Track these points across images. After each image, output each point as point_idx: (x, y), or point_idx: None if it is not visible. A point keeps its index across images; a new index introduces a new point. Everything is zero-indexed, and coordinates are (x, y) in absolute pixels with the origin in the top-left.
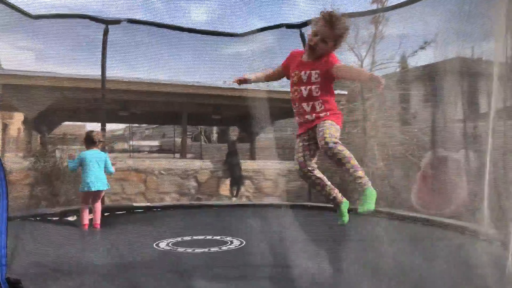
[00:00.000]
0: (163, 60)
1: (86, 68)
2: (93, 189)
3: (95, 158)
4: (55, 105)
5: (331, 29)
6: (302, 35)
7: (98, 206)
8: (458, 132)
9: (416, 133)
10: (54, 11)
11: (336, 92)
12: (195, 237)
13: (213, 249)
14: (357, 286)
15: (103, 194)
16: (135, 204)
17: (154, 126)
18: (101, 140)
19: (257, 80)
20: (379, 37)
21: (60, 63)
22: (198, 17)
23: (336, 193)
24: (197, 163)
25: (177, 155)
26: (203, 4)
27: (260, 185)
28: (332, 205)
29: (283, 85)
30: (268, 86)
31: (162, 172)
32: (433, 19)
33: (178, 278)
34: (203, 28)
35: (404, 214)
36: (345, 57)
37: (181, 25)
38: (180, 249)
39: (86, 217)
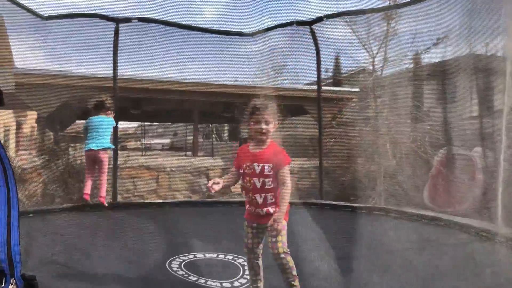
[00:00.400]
0: (174, 58)
1: (98, 67)
2: (92, 148)
3: (99, 121)
4: (67, 104)
5: (268, 110)
6: (313, 32)
7: (103, 179)
8: (471, 130)
9: (429, 130)
10: (64, 11)
11: (347, 89)
12: (207, 255)
13: (225, 285)
14: (367, 284)
15: (106, 160)
16: (146, 201)
17: (166, 124)
18: (109, 106)
19: (225, 186)
20: (391, 33)
21: (72, 62)
22: (209, 15)
23: (261, 285)
24: (208, 161)
25: (189, 153)
26: (214, 3)
27: None
28: None
29: (294, 82)
30: (280, 84)
31: (173, 169)
32: (446, 15)
33: None
34: (213, 26)
35: (415, 212)
36: (357, 54)
37: (191, 24)
38: (193, 278)
39: (88, 186)
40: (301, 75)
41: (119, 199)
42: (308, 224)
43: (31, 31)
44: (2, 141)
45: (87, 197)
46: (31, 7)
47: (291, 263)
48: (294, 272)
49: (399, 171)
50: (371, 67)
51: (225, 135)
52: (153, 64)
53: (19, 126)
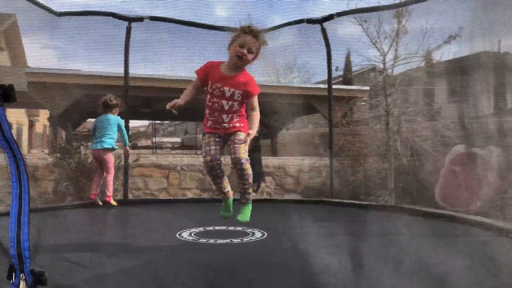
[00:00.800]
0: (185, 56)
1: (109, 66)
2: (95, 147)
3: (102, 120)
4: (79, 102)
5: (256, 39)
6: (323, 30)
7: (109, 178)
8: (484, 128)
9: (440, 128)
10: (77, 9)
11: (358, 87)
12: (217, 228)
13: (235, 240)
14: (379, 281)
15: (111, 159)
16: (158, 199)
17: (177, 122)
18: (113, 104)
19: (186, 101)
20: (402, 31)
21: (84, 60)
22: (220, 13)
23: (229, 188)
24: None
25: (199, 151)
26: (225, 1)
27: (282, 181)
28: (222, 198)
29: (304, 80)
30: (290, 82)
31: (184, 168)
32: (458, 12)
33: (200, 269)
34: (224, 24)
35: (428, 211)
36: (368, 52)
37: (202, 22)
38: (203, 240)
39: (95, 186)
40: (311, 73)
41: (130, 197)
42: (319, 222)
43: (44, 28)
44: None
45: (93, 197)
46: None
47: (250, 170)
48: (251, 180)
49: (410, 170)
50: (381, 65)
51: None
52: (164, 62)
53: (31, 124)
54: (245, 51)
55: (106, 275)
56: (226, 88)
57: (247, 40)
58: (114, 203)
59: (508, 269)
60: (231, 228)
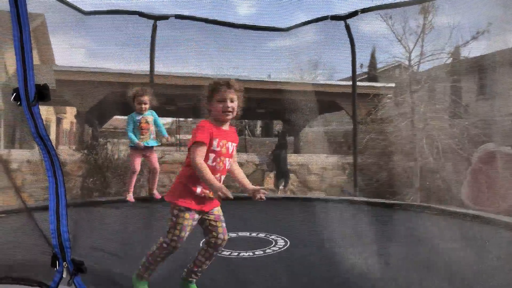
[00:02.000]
0: (209, 54)
1: (135, 63)
2: (149, 144)
3: (155, 116)
4: (105, 100)
5: (240, 93)
6: (347, 27)
7: (155, 171)
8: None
9: (467, 126)
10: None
11: (383, 84)
12: (240, 234)
13: (257, 253)
14: (407, 282)
15: (154, 155)
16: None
17: (200, 120)
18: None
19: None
20: (428, 27)
21: (110, 59)
22: (243, 11)
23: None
24: (242, 156)
25: None
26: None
27: (305, 179)
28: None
29: (328, 77)
30: (314, 79)
31: None
32: (486, 7)
33: (225, 283)
34: (247, 22)
35: (454, 210)
36: (393, 49)
37: (226, 20)
38: (226, 253)
39: (131, 188)
40: (335, 70)
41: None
42: (344, 220)
43: (71, 27)
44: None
45: (130, 200)
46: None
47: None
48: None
49: (436, 168)
50: (407, 62)
51: (258, 130)
52: (188, 60)
53: (59, 121)
54: (234, 106)
55: (132, 268)
56: (229, 143)
57: (234, 94)
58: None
59: None
60: (253, 234)
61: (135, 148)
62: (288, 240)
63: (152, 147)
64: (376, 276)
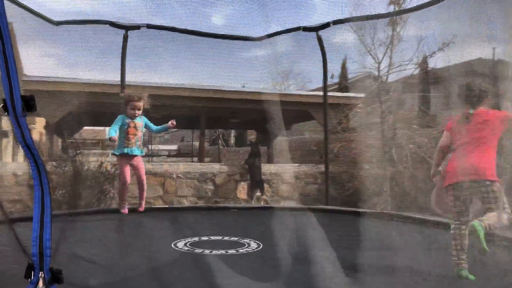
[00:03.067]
0: (182, 64)
1: (106, 73)
2: (136, 153)
3: (145, 122)
4: (75, 110)
5: None
6: (319, 38)
7: (142, 183)
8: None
9: (436, 135)
10: (74, 18)
11: (353, 95)
12: (212, 238)
13: (230, 251)
14: (371, 285)
15: (141, 165)
16: (153, 206)
17: (173, 130)
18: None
19: None
20: (396, 39)
21: (81, 68)
22: (216, 22)
23: None
24: (215, 167)
25: (196, 159)
26: (221, 9)
27: (278, 188)
28: None
29: (300, 87)
30: (286, 89)
31: (180, 175)
32: (451, 20)
33: (196, 280)
34: (221, 32)
35: (422, 218)
36: (363, 59)
37: (199, 30)
38: (198, 250)
39: (124, 200)
40: (307, 81)
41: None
42: (315, 229)
43: (41, 37)
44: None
45: (125, 211)
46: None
47: None
48: None
49: (405, 177)
50: (376, 73)
51: (232, 140)
52: (161, 70)
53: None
54: None
55: (113, 272)
56: None
57: None
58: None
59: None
60: (226, 238)
61: (121, 156)
62: (261, 243)
63: (136, 155)
64: (340, 280)
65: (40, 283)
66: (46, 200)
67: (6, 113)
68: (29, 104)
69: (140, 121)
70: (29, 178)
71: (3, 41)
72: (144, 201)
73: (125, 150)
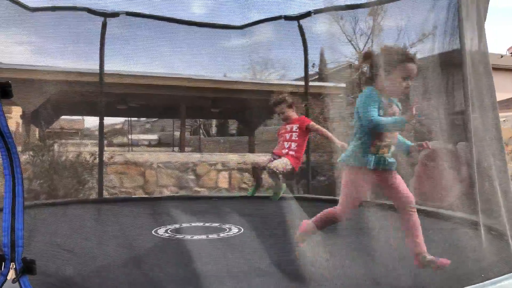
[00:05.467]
0: (161, 53)
1: (84, 62)
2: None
3: None
4: (53, 99)
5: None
6: (300, 27)
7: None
8: (456, 125)
9: (414, 125)
10: (50, 3)
11: (334, 84)
12: (193, 224)
13: (211, 236)
14: (353, 271)
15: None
16: (133, 196)
17: (153, 119)
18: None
19: None
20: (377, 29)
21: (58, 56)
22: (197, 10)
23: None
24: (196, 156)
25: (176, 148)
26: None
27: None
28: None
29: (281, 77)
30: (267, 79)
31: (160, 165)
32: (431, 11)
33: (178, 264)
34: (201, 21)
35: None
36: (344, 49)
37: (179, 18)
38: (179, 236)
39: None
40: (289, 70)
41: (105, 195)
42: (297, 216)
43: (16, 23)
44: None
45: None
46: None
47: None
48: None
49: None
50: (357, 62)
51: (213, 130)
52: (140, 58)
53: None
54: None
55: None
56: None
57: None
58: None
59: (474, 256)
60: (207, 224)
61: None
62: (242, 228)
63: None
64: (321, 265)
65: (11, 274)
66: (18, 189)
67: None
68: (5, 91)
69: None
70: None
71: None
72: None
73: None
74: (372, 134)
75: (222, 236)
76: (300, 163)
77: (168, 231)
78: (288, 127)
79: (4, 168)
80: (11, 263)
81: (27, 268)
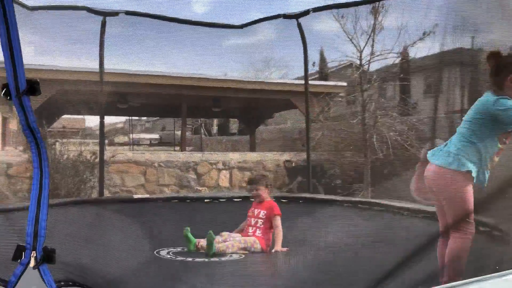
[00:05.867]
0: (162, 52)
1: (85, 61)
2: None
3: None
4: (54, 99)
5: None
6: (299, 26)
7: None
8: (457, 123)
9: (415, 123)
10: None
11: (334, 83)
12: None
13: (213, 259)
14: (353, 279)
15: None
16: (135, 196)
17: (155, 118)
18: None
19: None
20: (378, 27)
21: (59, 55)
22: (198, 9)
23: None
24: (197, 156)
25: (178, 147)
26: None
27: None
28: None
29: (282, 76)
30: (268, 78)
31: (161, 164)
32: (432, 9)
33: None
34: (201, 20)
35: (401, 206)
36: (344, 48)
37: (179, 17)
38: (180, 258)
39: None
40: (289, 69)
41: (106, 194)
42: (297, 217)
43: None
44: None
45: None
46: None
47: None
48: None
49: (385, 164)
50: (358, 61)
51: (214, 129)
52: (141, 58)
53: (5, 121)
54: None
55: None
56: None
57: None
58: None
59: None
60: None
61: None
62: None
63: None
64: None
65: (32, 263)
66: (44, 182)
67: (8, 98)
68: (33, 88)
69: None
70: (6, 168)
71: (7, 26)
72: None
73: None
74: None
75: (224, 260)
76: (269, 242)
77: (170, 253)
78: (256, 211)
79: (33, 161)
80: (32, 252)
81: (47, 256)
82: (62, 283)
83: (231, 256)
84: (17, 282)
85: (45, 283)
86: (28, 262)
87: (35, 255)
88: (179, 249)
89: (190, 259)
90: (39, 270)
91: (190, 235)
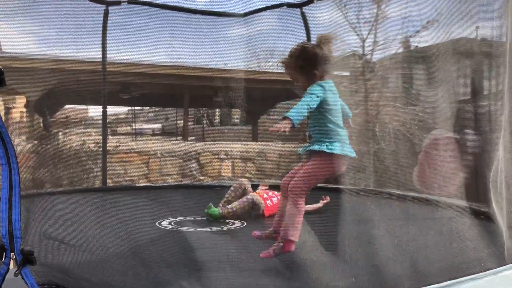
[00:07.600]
0: (164, 42)
1: (88, 50)
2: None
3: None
4: (56, 88)
5: None
6: (303, 15)
7: None
8: (460, 113)
9: (418, 113)
10: None
11: (337, 73)
12: (197, 218)
13: (214, 228)
14: (351, 262)
15: None
16: (137, 185)
17: (157, 109)
18: None
19: None
20: (381, 17)
21: (61, 45)
22: None
23: None
24: (199, 145)
25: (180, 137)
26: None
27: (262, 167)
28: None
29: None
30: (270, 68)
31: (164, 154)
32: None
33: (181, 255)
34: (203, 9)
35: (404, 194)
36: (347, 37)
37: (182, 6)
38: (182, 228)
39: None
40: None
41: (109, 183)
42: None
43: (19, 12)
44: None
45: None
46: None
47: None
48: None
49: (388, 154)
50: (361, 51)
51: (216, 120)
52: (143, 47)
53: (7, 111)
54: None
55: (92, 258)
56: None
57: None
58: None
59: (473, 244)
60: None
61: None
62: (245, 222)
63: None
64: (320, 256)
65: (11, 265)
66: (14, 179)
67: None
68: None
69: None
70: None
71: None
72: None
73: None
74: None
75: (225, 230)
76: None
77: (172, 223)
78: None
79: (0, 157)
80: (11, 253)
81: (26, 259)
82: (46, 286)
83: (233, 224)
84: (2, 282)
85: (27, 285)
86: (9, 263)
87: (14, 256)
88: (181, 218)
89: (192, 229)
90: (21, 275)
91: (212, 208)
